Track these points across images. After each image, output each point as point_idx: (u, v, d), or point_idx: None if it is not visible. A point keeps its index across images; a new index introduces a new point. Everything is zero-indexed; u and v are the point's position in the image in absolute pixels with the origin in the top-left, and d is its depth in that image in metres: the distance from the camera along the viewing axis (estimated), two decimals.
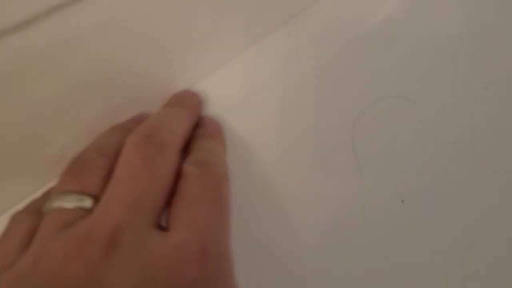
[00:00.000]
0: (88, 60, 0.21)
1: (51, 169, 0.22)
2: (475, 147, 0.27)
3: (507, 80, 0.30)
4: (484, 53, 0.30)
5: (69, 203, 0.17)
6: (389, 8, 0.32)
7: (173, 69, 0.26)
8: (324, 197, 0.26)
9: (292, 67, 0.29)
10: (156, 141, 0.19)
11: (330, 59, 0.30)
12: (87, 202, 0.18)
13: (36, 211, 0.19)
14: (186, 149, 0.23)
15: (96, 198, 0.18)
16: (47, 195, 0.21)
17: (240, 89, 0.28)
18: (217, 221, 0.19)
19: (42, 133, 0.22)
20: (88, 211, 0.18)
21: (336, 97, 0.28)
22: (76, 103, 0.22)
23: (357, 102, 0.28)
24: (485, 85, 0.29)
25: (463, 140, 0.27)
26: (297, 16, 0.31)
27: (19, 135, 0.21)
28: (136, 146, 0.19)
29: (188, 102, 0.26)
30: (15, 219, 0.19)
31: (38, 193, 0.22)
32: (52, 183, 0.22)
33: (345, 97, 0.28)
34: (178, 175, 0.20)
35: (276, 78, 0.29)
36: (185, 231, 0.18)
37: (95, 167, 0.19)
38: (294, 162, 0.26)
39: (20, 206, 0.20)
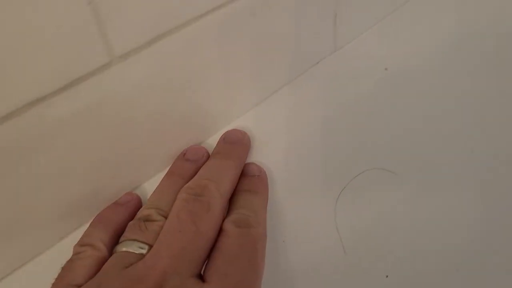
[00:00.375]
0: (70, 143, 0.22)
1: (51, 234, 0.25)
2: (461, 219, 0.27)
3: (493, 143, 0.29)
4: (470, 118, 0.30)
5: (132, 249, 0.22)
6: (376, 79, 0.33)
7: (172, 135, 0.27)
8: (307, 272, 0.26)
9: (279, 138, 0.30)
10: (204, 200, 0.23)
11: (315, 129, 0.30)
12: (145, 249, 0.21)
13: (95, 247, 0.23)
14: (230, 199, 0.25)
15: (152, 246, 0.22)
16: (95, 226, 0.25)
17: None
18: (250, 280, 0.21)
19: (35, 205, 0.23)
20: (143, 255, 0.21)
21: (320, 170, 0.28)
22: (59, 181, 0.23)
23: (340, 174, 0.28)
24: (472, 149, 0.29)
25: (448, 211, 0.27)
26: (284, 87, 0.33)
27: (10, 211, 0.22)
28: (186, 201, 0.23)
29: (236, 152, 0.28)
30: (79, 251, 0.23)
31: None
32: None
33: (328, 169, 0.28)
34: (220, 229, 0.23)
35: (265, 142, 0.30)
36: (220, 286, 0.20)
37: (153, 224, 0.23)
38: (273, 239, 0.26)
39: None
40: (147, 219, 0.23)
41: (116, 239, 0.24)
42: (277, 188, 0.28)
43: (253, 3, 0.26)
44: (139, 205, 0.26)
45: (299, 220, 0.27)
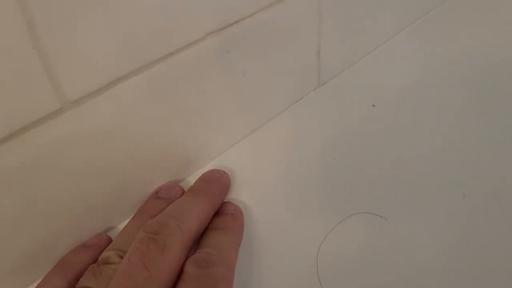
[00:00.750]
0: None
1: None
2: (452, 268, 0.25)
3: (486, 187, 0.28)
4: (461, 159, 0.29)
5: None
6: (363, 117, 0.32)
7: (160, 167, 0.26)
8: None
9: (261, 175, 0.29)
10: (159, 239, 0.20)
11: (299, 168, 0.29)
12: None
13: None
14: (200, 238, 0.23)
15: None
16: (55, 271, 0.23)
17: None
18: None
19: None
20: None
21: (303, 212, 0.27)
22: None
23: (324, 218, 0.26)
24: (464, 194, 0.27)
25: (439, 259, 0.25)
26: (265, 124, 0.31)
27: None
28: (140, 242, 0.20)
29: (209, 189, 0.26)
30: None
31: None
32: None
33: (312, 212, 0.27)
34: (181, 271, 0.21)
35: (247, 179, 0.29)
36: None
37: (110, 267, 0.21)
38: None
39: None
40: (106, 262, 0.21)
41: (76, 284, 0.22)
42: (257, 229, 0.26)
43: (225, 40, 0.24)
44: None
45: (279, 265, 0.25)
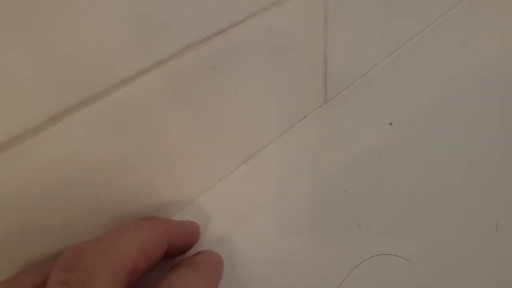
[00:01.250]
0: None
1: None
2: None
3: None
4: (493, 187, 0.26)
5: None
6: (377, 136, 0.28)
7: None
8: None
9: (260, 212, 0.25)
10: (76, 282, 0.15)
11: (303, 200, 0.25)
12: None
13: None
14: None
15: None
16: None
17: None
18: None
19: None
20: None
21: (311, 257, 0.23)
22: None
23: (349, 257, 0.23)
24: (497, 224, 0.24)
25: None
26: (265, 148, 0.27)
27: None
28: (51, 283, 0.15)
29: (171, 221, 0.21)
30: None
31: None
32: None
33: (320, 257, 0.23)
34: None
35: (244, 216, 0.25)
36: None
37: None
38: None
39: None
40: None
41: None
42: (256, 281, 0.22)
43: (210, 53, 0.20)
44: None
45: None
